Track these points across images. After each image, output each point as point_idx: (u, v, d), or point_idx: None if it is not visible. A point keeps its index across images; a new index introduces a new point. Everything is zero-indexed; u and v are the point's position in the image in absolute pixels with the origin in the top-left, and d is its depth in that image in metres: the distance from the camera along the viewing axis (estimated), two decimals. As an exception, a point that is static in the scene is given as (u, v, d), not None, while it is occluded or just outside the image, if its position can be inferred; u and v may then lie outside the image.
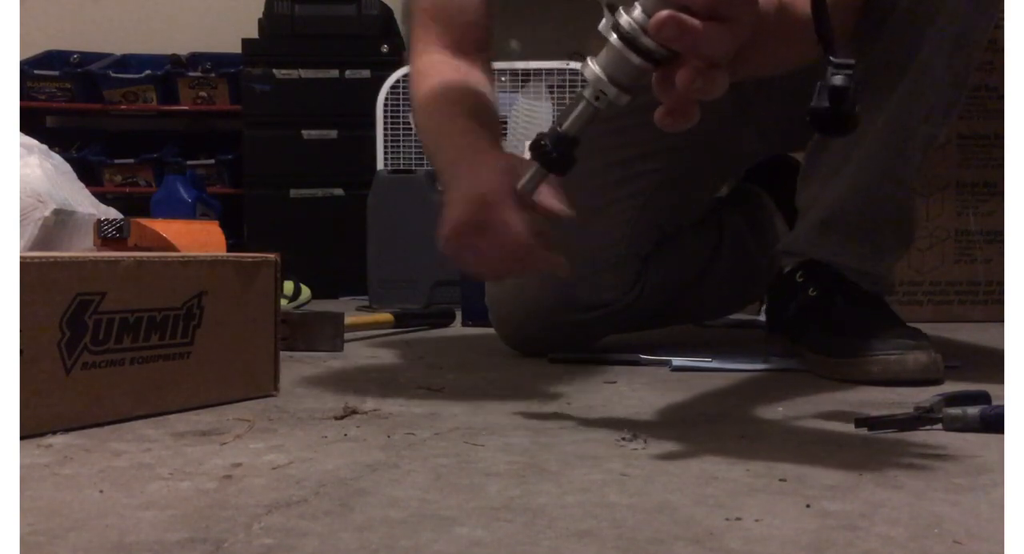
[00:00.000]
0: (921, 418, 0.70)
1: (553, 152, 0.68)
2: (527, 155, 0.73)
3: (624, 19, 0.63)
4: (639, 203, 1.14)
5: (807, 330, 1.01)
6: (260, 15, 2.68)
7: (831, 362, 0.96)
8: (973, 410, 0.69)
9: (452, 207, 0.81)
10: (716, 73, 0.62)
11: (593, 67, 0.66)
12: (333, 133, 2.54)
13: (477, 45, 1.11)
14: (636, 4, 0.63)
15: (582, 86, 0.68)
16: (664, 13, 0.60)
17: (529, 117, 2.14)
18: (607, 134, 1.13)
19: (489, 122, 0.96)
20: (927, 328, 0.98)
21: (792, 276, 1.05)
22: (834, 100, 0.66)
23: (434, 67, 1.03)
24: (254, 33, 2.67)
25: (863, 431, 0.69)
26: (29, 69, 2.79)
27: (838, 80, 0.65)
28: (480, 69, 1.03)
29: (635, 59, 0.63)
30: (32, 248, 1.58)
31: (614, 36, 0.64)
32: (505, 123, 2.14)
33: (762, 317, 1.50)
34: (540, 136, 0.70)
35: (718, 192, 1.37)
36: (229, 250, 1.84)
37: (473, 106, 0.96)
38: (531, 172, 0.71)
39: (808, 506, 0.50)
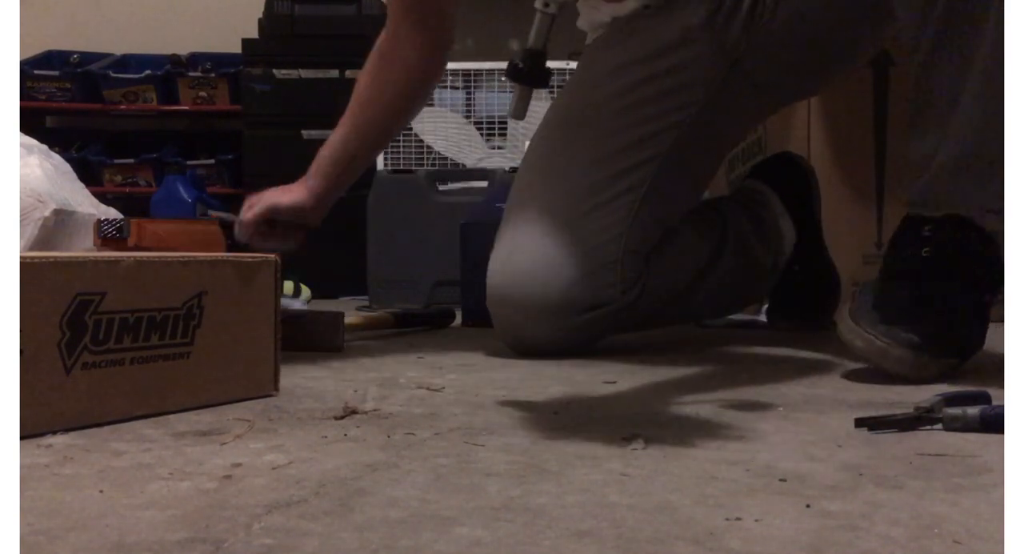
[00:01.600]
0: (921, 418, 0.70)
1: (525, 67, 0.73)
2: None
3: None
4: (638, 196, 1.14)
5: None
6: (260, 15, 2.68)
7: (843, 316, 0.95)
8: (973, 410, 0.69)
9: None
10: None
11: None
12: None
13: (439, 39, 1.26)
14: None
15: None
16: None
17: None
18: (606, 117, 1.14)
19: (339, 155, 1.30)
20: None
21: (919, 227, 0.95)
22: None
23: (378, 65, 1.28)
24: (254, 33, 2.67)
25: (863, 431, 0.69)
26: (29, 69, 2.79)
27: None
28: (420, 68, 1.25)
29: None
30: (32, 248, 1.58)
31: None
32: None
33: (763, 317, 1.50)
34: (513, 58, 0.76)
35: (717, 169, 1.37)
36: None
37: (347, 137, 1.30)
38: (516, 95, 0.76)
39: (808, 506, 0.50)
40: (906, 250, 0.95)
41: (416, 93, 1.31)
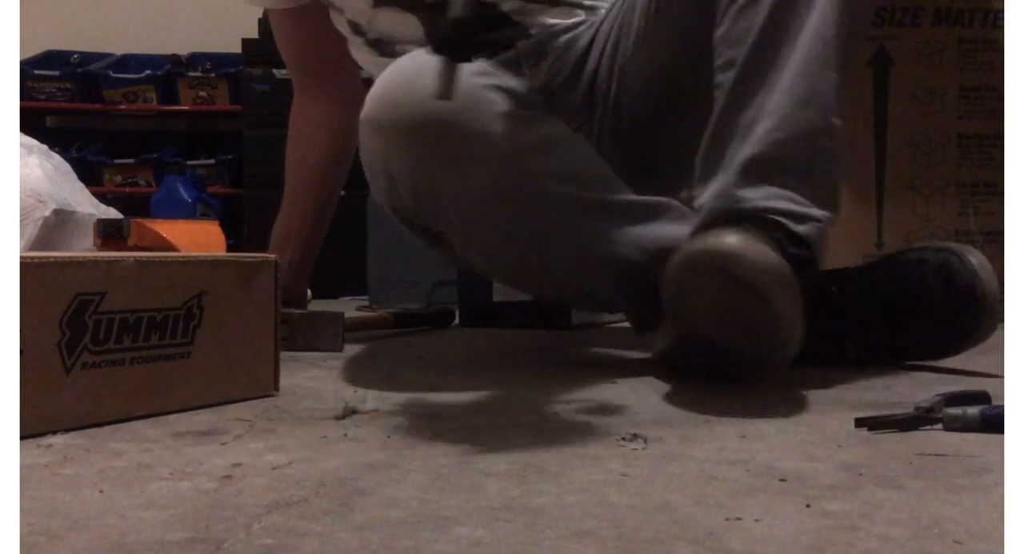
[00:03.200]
0: (921, 418, 0.70)
1: (454, 38, 0.64)
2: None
3: None
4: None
5: None
6: (260, 15, 2.68)
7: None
8: (973, 410, 0.69)
9: None
10: None
11: None
12: (333, 133, 2.54)
13: (342, 90, 1.30)
14: None
15: None
16: None
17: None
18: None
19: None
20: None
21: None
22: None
23: (298, 125, 1.37)
24: (254, 33, 2.67)
25: (863, 431, 0.69)
26: (29, 69, 2.79)
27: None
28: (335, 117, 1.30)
29: None
30: (32, 248, 1.58)
31: None
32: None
33: None
34: (436, 28, 0.66)
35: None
36: (229, 250, 1.84)
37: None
38: (440, 69, 0.65)
39: (808, 506, 0.50)
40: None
41: (346, 136, 1.32)
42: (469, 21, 0.65)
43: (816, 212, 0.88)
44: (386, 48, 1.15)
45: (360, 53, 1.22)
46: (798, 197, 0.87)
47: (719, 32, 0.91)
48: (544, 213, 0.93)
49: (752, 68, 0.89)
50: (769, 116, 0.87)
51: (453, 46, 0.65)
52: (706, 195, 0.90)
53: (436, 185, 0.90)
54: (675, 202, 1.01)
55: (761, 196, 0.86)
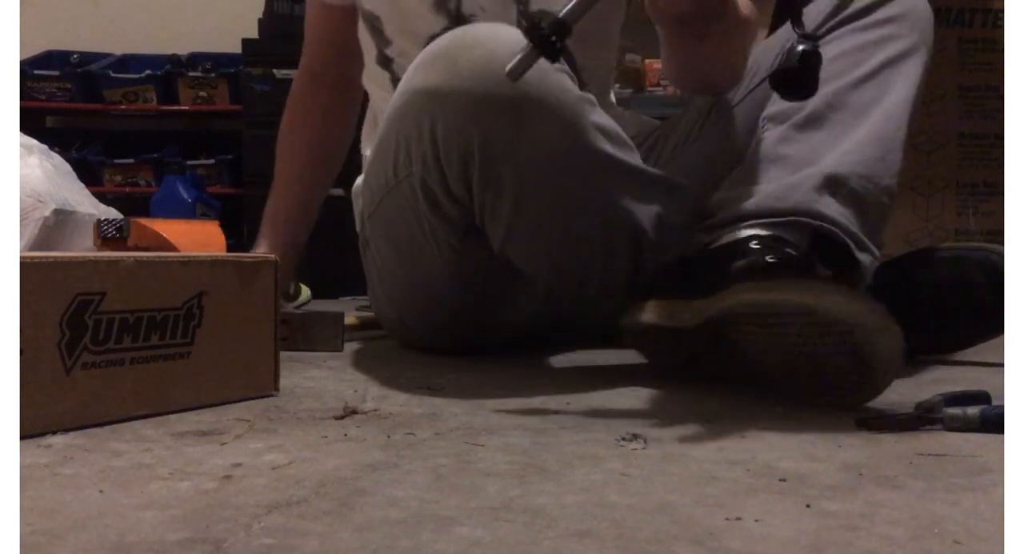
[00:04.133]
0: (921, 418, 0.70)
1: (551, 36, 0.67)
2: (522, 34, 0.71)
3: None
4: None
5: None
6: (260, 15, 2.68)
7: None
8: (973, 410, 0.69)
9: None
10: None
11: None
12: (333, 133, 2.54)
13: (350, 86, 1.30)
14: None
15: None
16: None
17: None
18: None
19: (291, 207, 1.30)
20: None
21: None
22: (805, 62, 0.73)
23: (297, 108, 1.35)
24: (254, 33, 2.67)
25: (863, 431, 0.69)
26: (29, 69, 2.79)
27: (807, 46, 0.74)
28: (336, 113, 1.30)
29: None
30: (32, 248, 1.59)
31: None
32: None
33: None
34: (538, 18, 0.69)
35: None
36: (229, 250, 1.84)
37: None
38: (522, 54, 0.69)
39: (808, 506, 0.50)
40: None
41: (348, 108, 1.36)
42: (568, 27, 0.68)
43: (871, 245, 0.89)
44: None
45: (375, 85, 1.23)
46: (858, 226, 0.88)
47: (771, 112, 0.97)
48: (594, 173, 0.93)
49: (836, 108, 0.92)
50: (850, 152, 0.90)
51: (546, 41, 0.68)
52: (755, 198, 0.89)
53: (498, 148, 0.88)
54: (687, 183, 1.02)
55: (834, 210, 0.87)
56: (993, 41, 1.64)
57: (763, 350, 0.80)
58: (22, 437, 0.63)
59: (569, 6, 0.69)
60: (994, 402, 0.72)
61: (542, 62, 0.71)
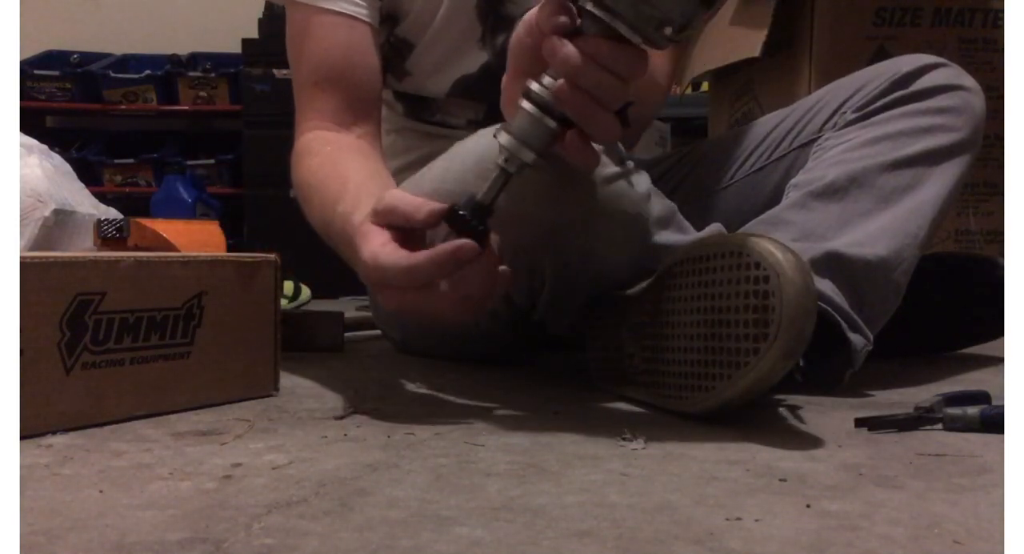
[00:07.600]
0: (921, 418, 0.70)
1: (472, 220, 0.68)
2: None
3: (535, 86, 0.67)
4: None
5: None
6: (260, 15, 2.68)
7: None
8: (973, 410, 0.69)
9: (377, 294, 0.77)
10: (613, 123, 0.66)
11: (506, 134, 0.68)
12: (333, 133, 2.54)
13: (368, 116, 1.04)
14: (544, 73, 0.66)
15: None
16: (563, 83, 0.64)
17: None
18: None
19: (359, 196, 0.84)
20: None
21: None
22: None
23: (312, 146, 1.00)
24: (254, 33, 2.67)
25: (863, 431, 0.69)
26: (29, 69, 2.80)
27: None
28: (366, 141, 0.99)
29: (550, 123, 0.67)
30: (32, 248, 1.58)
31: (526, 103, 0.67)
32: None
33: None
34: (456, 206, 0.68)
35: None
36: (229, 250, 1.84)
37: (343, 187, 0.88)
38: (445, 237, 0.69)
39: (808, 506, 0.50)
40: None
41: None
42: (489, 209, 0.69)
43: (865, 329, 0.85)
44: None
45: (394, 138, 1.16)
46: (852, 307, 0.85)
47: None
48: (653, 258, 0.88)
49: (861, 185, 0.90)
50: (862, 239, 0.87)
51: (465, 227, 0.68)
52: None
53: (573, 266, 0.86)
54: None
55: (827, 287, 0.84)
56: (993, 41, 1.64)
57: (695, 297, 0.75)
58: (22, 437, 0.63)
59: (485, 188, 0.69)
60: (994, 402, 0.72)
61: (603, 172, 0.78)
